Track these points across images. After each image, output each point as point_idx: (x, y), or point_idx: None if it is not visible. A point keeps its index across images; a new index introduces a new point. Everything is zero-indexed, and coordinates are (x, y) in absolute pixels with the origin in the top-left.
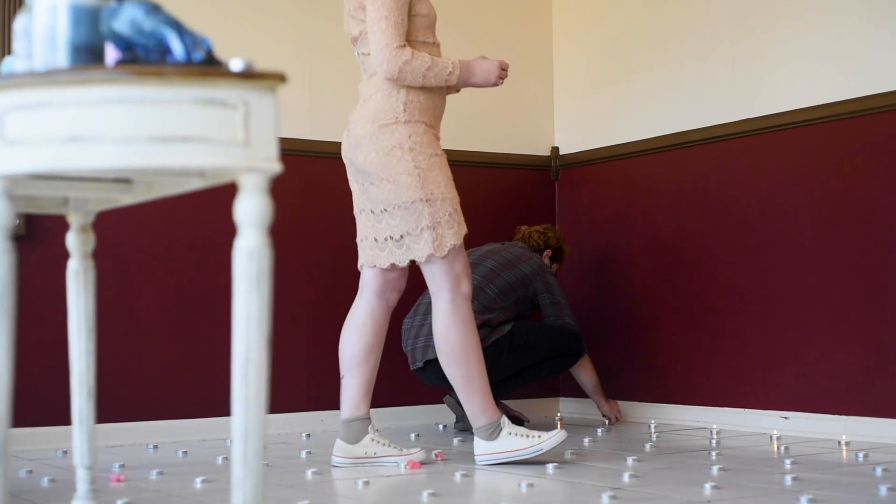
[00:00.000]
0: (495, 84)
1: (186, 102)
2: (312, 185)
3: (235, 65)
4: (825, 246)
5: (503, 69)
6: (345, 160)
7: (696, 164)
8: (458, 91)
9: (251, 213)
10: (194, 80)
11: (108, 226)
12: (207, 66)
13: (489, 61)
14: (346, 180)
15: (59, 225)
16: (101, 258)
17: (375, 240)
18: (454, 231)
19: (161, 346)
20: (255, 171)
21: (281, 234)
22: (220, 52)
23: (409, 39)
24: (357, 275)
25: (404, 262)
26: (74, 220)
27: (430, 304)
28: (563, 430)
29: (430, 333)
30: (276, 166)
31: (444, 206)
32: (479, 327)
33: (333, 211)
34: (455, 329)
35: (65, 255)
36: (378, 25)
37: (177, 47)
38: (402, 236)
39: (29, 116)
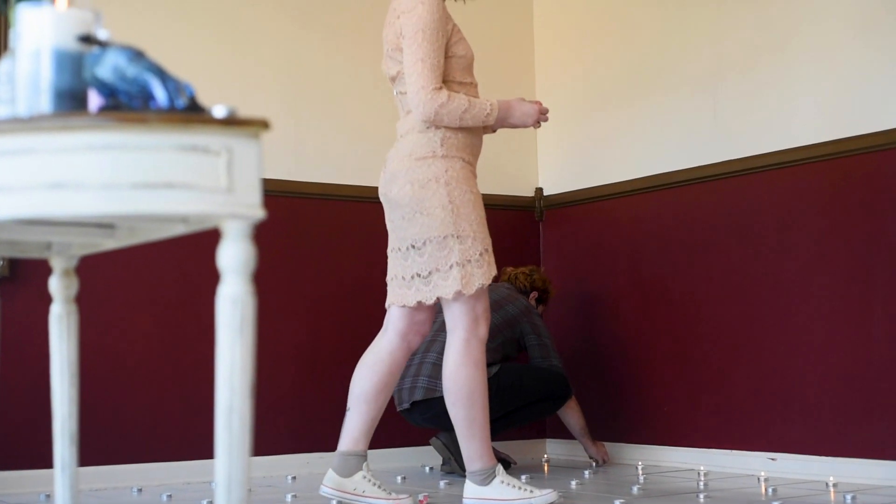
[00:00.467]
0: (532, 126)
1: (169, 149)
2: (297, 226)
3: (219, 111)
4: (811, 286)
5: (542, 113)
6: (381, 197)
7: (680, 205)
8: (494, 132)
9: (234, 260)
10: (177, 126)
11: (92, 269)
12: (190, 112)
13: (529, 104)
14: (331, 222)
15: (44, 266)
16: (85, 301)
17: (403, 278)
18: (483, 271)
19: (145, 388)
20: (239, 217)
21: (264, 275)
22: (203, 96)
23: (447, 80)
24: (344, 316)
25: (431, 300)
26: (57, 264)
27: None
28: (555, 492)
29: (416, 374)
30: (259, 213)
31: (475, 244)
32: None
33: (318, 252)
34: (465, 370)
35: (50, 297)
36: (414, 68)
37: (160, 94)
38: (429, 273)
39: (12, 162)
